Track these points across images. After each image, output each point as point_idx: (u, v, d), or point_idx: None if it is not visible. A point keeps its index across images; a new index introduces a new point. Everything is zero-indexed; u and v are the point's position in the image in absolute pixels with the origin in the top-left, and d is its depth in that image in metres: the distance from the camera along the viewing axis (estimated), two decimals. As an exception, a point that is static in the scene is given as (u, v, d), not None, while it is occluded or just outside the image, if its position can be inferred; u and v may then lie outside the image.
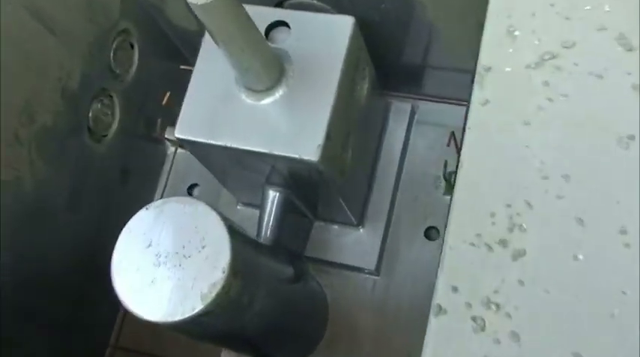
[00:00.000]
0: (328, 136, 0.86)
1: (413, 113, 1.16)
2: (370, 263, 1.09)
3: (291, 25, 0.91)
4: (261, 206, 1.00)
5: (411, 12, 0.97)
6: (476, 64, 0.62)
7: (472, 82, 0.62)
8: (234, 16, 0.75)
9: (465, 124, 0.61)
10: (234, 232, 0.76)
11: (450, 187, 1.11)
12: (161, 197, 1.25)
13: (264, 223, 0.99)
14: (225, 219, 0.75)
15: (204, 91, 0.91)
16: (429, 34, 1.02)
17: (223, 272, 0.73)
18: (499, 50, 0.63)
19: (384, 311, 1.10)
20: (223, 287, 0.73)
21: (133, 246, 0.76)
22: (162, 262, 0.74)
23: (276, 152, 0.86)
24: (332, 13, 0.97)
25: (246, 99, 0.89)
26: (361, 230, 1.11)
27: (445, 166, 1.07)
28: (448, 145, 1.10)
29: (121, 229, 0.77)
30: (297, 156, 0.85)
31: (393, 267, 1.11)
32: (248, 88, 0.88)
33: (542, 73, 0.61)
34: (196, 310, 0.72)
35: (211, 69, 0.91)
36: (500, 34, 0.63)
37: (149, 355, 1.18)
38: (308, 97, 0.87)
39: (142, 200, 1.07)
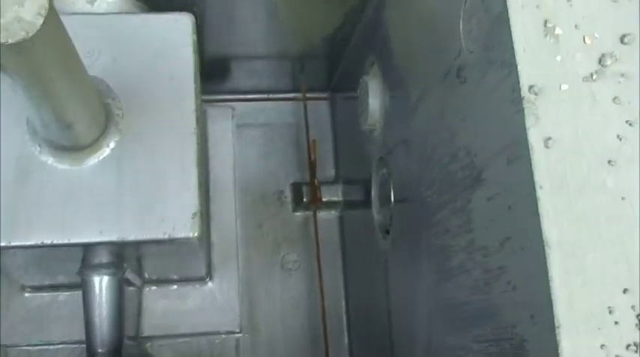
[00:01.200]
0: (199, 196, 0.58)
1: (232, 117, 0.90)
2: (231, 322, 0.84)
3: (103, 37, 0.60)
4: (85, 299, 0.69)
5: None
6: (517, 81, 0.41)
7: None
8: (62, 52, 0.44)
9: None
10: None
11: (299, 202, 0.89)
12: None
13: (97, 320, 0.69)
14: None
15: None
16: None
17: None
18: (542, 59, 0.42)
19: (258, 374, 0.86)
20: None
21: None
22: None
23: (129, 238, 0.57)
24: (146, 12, 0.67)
25: (57, 165, 0.57)
26: (210, 284, 0.84)
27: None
28: (312, 158, 0.87)
29: None
30: (165, 237, 0.57)
31: (255, 318, 0.87)
32: (57, 148, 0.56)
33: (607, 85, 0.42)
34: None
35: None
36: (536, 32, 0.42)
37: None
38: (154, 143, 0.59)
39: None
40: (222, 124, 0.89)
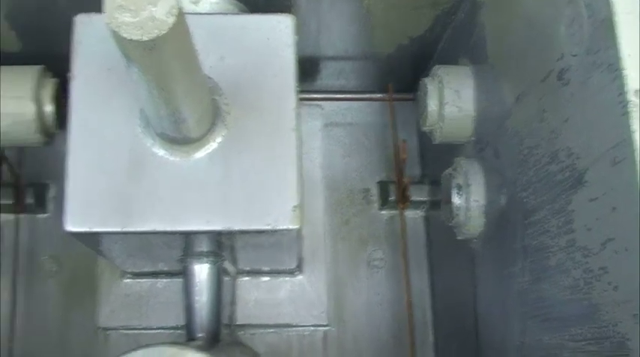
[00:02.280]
0: (299, 190, 0.61)
1: (321, 116, 0.92)
2: (319, 314, 0.86)
3: (210, 36, 0.63)
4: (186, 286, 0.72)
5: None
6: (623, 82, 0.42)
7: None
8: (186, 51, 0.47)
9: None
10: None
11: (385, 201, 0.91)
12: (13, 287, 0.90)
13: (197, 306, 0.72)
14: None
15: (96, 156, 0.60)
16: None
17: None
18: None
19: (344, 367, 0.88)
20: None
21: None
22: None
23: (235, 228, 0.59)
24: (246, 12, 0.70)
25: (169, 157, 0.61)
26: (300, 277, 0.87)
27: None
28: (401, 157, 0.89)
29: None
30: (268, 227, 0.59)
31: (342, 312, 0.89)
32: (169, 141, 0.60)
33: None
34: None
35: (96, 122, 0.61)
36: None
37: None
38: (258, 139, 0.61)
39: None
40: (311, 122, 0.92)
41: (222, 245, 0.69)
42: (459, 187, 0.70)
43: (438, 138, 0.74)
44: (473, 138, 0.72)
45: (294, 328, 0.89)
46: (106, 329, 0.88)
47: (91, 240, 0.64)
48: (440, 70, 0.73)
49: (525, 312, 0.59)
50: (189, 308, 0.72)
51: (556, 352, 0.52)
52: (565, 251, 0.50)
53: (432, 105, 0.73)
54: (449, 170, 0.73)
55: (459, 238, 0.72)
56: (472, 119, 0.72)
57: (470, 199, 0.69)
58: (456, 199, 0.70)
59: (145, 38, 0.41)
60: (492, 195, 0.67)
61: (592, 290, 0.47)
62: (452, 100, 0.72)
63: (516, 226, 0.60)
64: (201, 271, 0.72)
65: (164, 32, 0.41)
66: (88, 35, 0.62)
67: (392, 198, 0.93)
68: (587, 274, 0.47)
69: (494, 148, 0.66)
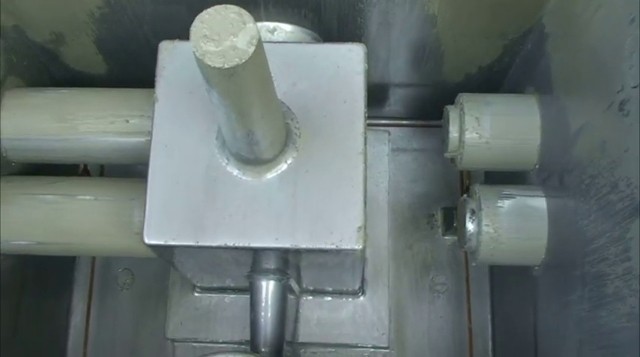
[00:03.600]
0: (364, 211, 0.63)
1: (388, 141, 0.95)
2: (380, 336, 0.88)
3: (284, 63, 0.66)
4: (252, 301, 0.75)
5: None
6: None
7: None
8: (263, 78, 0.50)
9: None
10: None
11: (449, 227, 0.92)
12: (88, 298, 0.95)
13: (262, 321, 0.75)
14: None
15: (175, 173, 0.64)
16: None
17: None
18: None
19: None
20: None
21: None
22: None
23: (301, 246, 0.62)
24: (319, 41, 0.73)
25: (242, 176, 0.64)
26: (362, 298, 0.89)
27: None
28: (467, 184, 0.91)
29: None
30: (333, 247, 0.62)
31: (403, 335, 0.90)
32: (242, 161, 0.63)
33: None
34: None
35: (176, 141, 0.65)
36: None
37: None
38: (326, 161, 0.64)
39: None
40: (379, 147, 0.94)
41: (288, 263, 0.72)
42: (472, 212, 0.72)
43: (459, 165, 0.76)
44: (537, 166, 0.73)
45: (354, 349, 0.91)
46: (174, 340, 0.92)
47: (166, 252, 0.67)
48: (462, 98, 0.75)
49: (582, 339, 0.60)
50: (254, 323, 0.75)
51: (612, 379, 0.53)
52: (622, 279, 0.51)
53: (453, 132, 0.75)
54: (464, 196, 0.74)
55: (473, 264, 0.74)
56: (492, 147, 0.74)
57: (482, 224, 0.70)
58: (469, 225, 0.71)
59: (226, 66, 0.45)
60: (554, 223, 0.68)
61: (647, 317, 0.48)
62: (472, 126, 0.73)
63: (576, 254, 0.61)
64: (268, 287, 0.75)
65: (244, 61, 0.45)
66: (172, 60, 0.66)
67: (456, 224, 0.94)
68: (643, 302, 0.48)
69: (559, 176, 0.67)
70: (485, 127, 0.73)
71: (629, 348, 0.50)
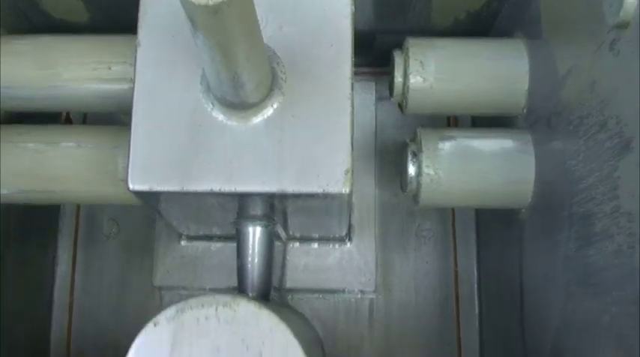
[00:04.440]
0: (351, 155, 0.63)
1: (374, 91, 0.94)
2: (367, 282, 0.88)
3: (270, 6, 0.65)
4: (239, 247, 0.75)
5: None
6: None
7: None
8: (248, 17, 0.49)
9: None
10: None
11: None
12: (73, 248, 0.95)
13: (249, 267, 0.74)
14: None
15: (158, 119, 0.63)
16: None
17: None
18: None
19: (389, 334, 0.90)
20: None
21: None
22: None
23: (288, 190, 0.62)
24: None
25: (227, 121, 0.63)
26: (349, 244, 0.89)
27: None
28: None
29: None
30: (319, 191, 0.62)
31: (389, 281, 0.91)
32: (227, 106, 0.62)
33: None
34: None
35: (160, 87, 0.64)
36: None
37: None
38: (313, 105, 0.63)
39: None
40: (365, 96, 0.94)
41: (274, 209, 0.71)
42: (413, 155, 0.72)
43: (404, 110, 0.75)
44: (525, 110, 0.73)
45: (341, 295, 0.91)
46: (161, 289, 0.92)
47: (152, 199, 0.67)
48: (409, 42, 0.74)
49: (570, 279, 0.60)
50: (241, 269, 0.75)
51: (597, 316, 0.54)
52: (610, 217, 0.52)
53: (398, 77, 0.74)
54: (407, 140, 0.74)
55: (415, 207, 0.74)
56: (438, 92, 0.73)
57: (422, 166, 0.70)
58: (410, 167, 0.71)
59: (211, 2, 0.44)
60: (542, 166, 0.68)
61: (635, 254, 0.48)
62: (416, 70, 0.73)
63: (564, 195, 0.61)
64: (254, 234, 0.75)
65: (228, -3, 0.44)
66: (154, 4, 0.65)
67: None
68: (631, 239, 0.48)
69: (546, 119, 0.67)
70: (430, 71, 0.72)
71: (616, 285, 0.51)
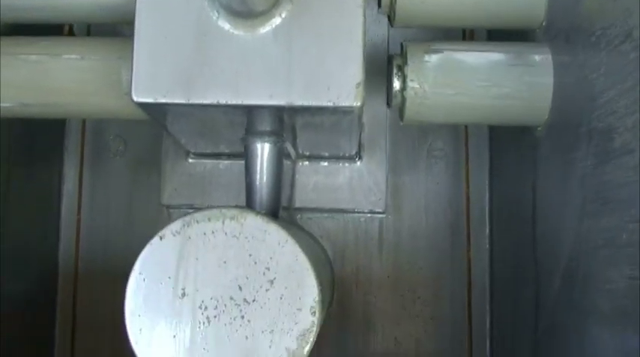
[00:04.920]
0: (363, 67, 0.60)
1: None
2: (377, 201, 0.87)
3: None
4: (247, 165, 0.74)
5: None
6: None
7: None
8: None
9: None
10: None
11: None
12: (80, 166, 0.94)
13: (258, 184, 0.73)
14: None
15: (162, 29, 0.61)
16: None
17: (313, 312, 0.49)
18: None
19: (398, 255, 0.90)
20: (316, 332, 0.49)
21: (154, 302, 0.49)
22: (207, 319, 0.49)
23: (297, 103, 0.60)
24: None
25: (233, 31, 0.61)
26: (359, 163, 0.87)
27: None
28: None
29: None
30: (330, 104, 0.60)
31: (400, 201, 0.90)
32: (233, 14, 0.60)
33: None
34: (286, 378, 0.48)
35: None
36: None
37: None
38: (323, 14, 0.61)
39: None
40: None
41: (283, 124, 0.70)
42: (399, 68, 0.69)
43: (393, 22, 0.72)
44: (544, 23, 0.70)
45: (350, 214, 0.90)
46: (169, 207, 0.91)
47: (157, 112, 0.65)
48: None
49: (586, 197, 0.58)
50: (249, 187, 0.73)
51: (614, 234, 0.52)
52: (631, 131, 0.50)
53: None
54: (392, 54, 0.71)
55: (402, 124, 0.71)
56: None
57: (407, 80, 0.68)
58: (395, 81, 0.69)
59: None
60: (560, 81, 0.66)
61: (656, 168, 0.46)
62: None
63: (583, 110, 0.59)
64: (263, 150, 0.73)
65: None
66: None
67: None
68: (653, 153, 0.46)
69: (566, 33, 0.64)
70: None
71: (634, 202, 0.49)
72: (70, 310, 0.93)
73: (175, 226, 0.51)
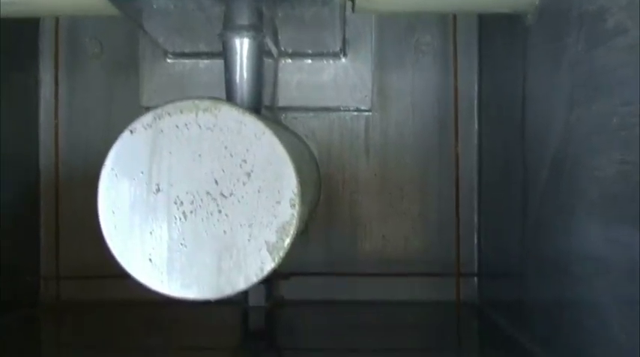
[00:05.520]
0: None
1: None
2: (362, 99, 0.85)
3: None
4: (226, 61, 0.71)
5: None
6: None
7: None
8: None
9: None
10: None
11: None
12: (55, 69, 0.91)
13: (237, 81, 0.70)
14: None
15: None
16: None
17: (293, 205, 0.47)
18: None
19: (385, 152, 0.88)
20: (296, 225, 0.48)
21: (128, 198, 0.47)
22: (183, 214, 0.47)
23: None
24: None
25: None
26: (344, 60, 0.84)
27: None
28: None
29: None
30: (308, -9, 0.56)
31: (386, 98, 0.87)
32: None
33: None
34: (266, 272, 0.47)
35: None
36: None
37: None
38: None
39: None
40: None
41: (262, 17, 0.66)
42: None
43: None
44: None
45: (335, 113, 0.88)
46: (148, 108, 0.89)
47: (130, 8, 0.62)
48: None
49: (576, 84, 0.56)
50: (229, 84, 0.71)
51: (604, 120, 0.50)
52: (625, 10, 0.47)
53: None
54: None
55: (351, 12, 0.67)
56: None
57: None
58: None
59: None
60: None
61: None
62: None
63: (574, -8, 0.56)
64: (242, 45, 0.70)
65: None
66: None
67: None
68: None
69: None
70: None
71: (628, 84, 0.47)
72: (52, 215, 0.92)
73: (146, 118, 0.49)
